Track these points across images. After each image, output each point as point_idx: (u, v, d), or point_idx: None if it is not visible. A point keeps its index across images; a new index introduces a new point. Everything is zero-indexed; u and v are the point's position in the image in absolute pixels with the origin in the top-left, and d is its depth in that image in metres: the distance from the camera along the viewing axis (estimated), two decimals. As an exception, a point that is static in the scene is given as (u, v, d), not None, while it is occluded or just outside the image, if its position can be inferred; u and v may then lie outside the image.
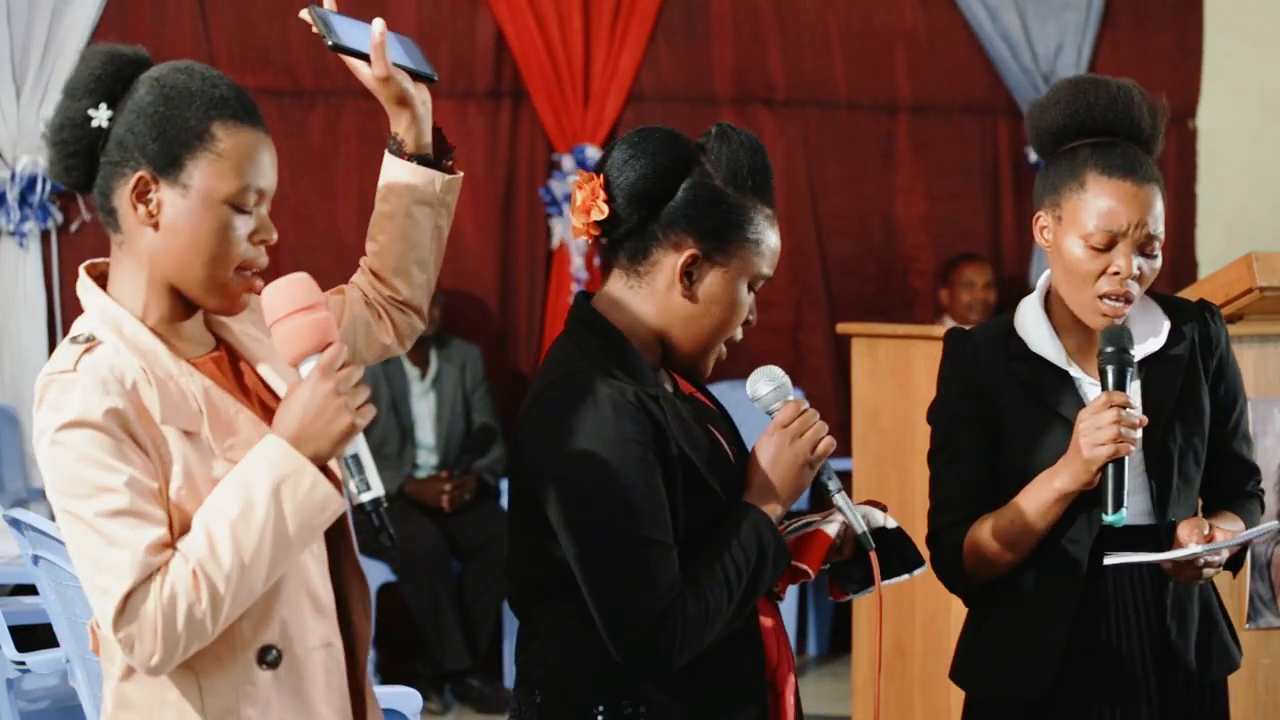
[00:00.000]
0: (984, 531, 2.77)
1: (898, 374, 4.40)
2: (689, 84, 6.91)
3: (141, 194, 2.16)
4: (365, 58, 2.39)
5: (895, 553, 2.49)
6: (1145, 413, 2.74)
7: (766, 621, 2.46)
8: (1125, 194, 2.70)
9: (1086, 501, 2.71)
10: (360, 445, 2.15)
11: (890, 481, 4.39)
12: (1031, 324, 2.82)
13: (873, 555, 2.42)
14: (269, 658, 2.17)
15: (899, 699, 4.39)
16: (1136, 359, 2.76)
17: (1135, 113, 2.76)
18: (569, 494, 2.34)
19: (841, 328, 4.75)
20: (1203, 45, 7.56)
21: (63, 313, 6.01)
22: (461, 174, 2.50)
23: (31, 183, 5.98)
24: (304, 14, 2.41)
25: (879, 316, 6.68)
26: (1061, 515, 2.72)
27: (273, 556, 2.08)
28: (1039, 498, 2.72)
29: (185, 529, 2.10)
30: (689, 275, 2.42)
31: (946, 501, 2.83)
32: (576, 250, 6.63)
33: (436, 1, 6.56)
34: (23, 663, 3.82)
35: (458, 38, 6.61)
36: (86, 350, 2.13)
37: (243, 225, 2.19)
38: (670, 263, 2.42)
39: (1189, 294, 3.68)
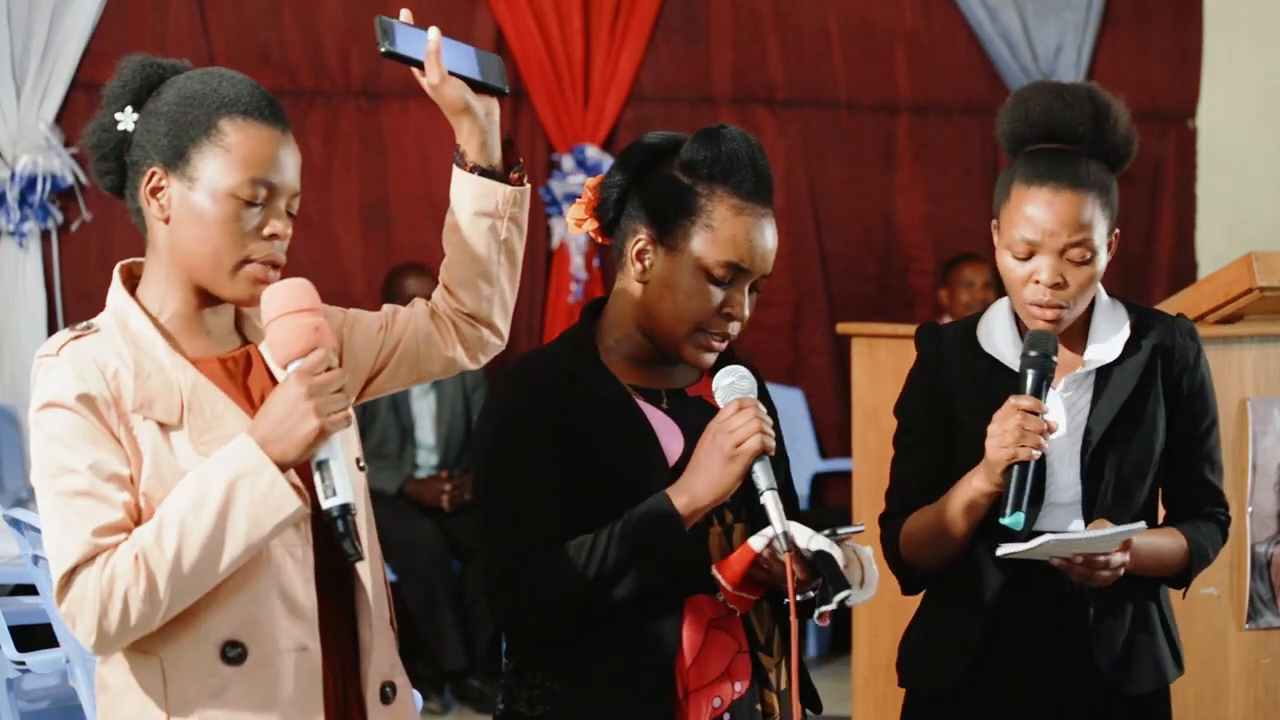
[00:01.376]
0: (915, 525, 2.79)
1: (898, 374, 4.37)
2: (689, 84, 6.91)
3: (154, 189, 2.24)
4: (420, 65, 2.41)
5: (821, 577, 2.42)
6: (1089, 422, 2.73)
7: (697, 629, 2.46)
8: (1043, 201, 2.69)
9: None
10: (334, 451, 2.17)
11: (890, 481, 4.38)
12: (997, 325, 2.82)
13: (788, 558, 2.36)
14: (232, 653, 2.19)
15: (899, 699, 4.38)
16: (1091, 367, 2.76)
17: (1071, 115, 2.72)
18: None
19: (841, 328, 4.75)
20: (1202, 45, 7.56)
21: (63, 313, 6.01)
22: (528, 187, 2.49)
23: (31, 183, 5.98)
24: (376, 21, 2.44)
25: (879, 316, 6.68)
26: (985, 515, 2.71)
27: (219, 550, 2.12)
28: (960, 496, 2.72)
29: (153, 518, 2.16)
30: (642, 260, 2.50)
31: (895, 490, 2.86)
32: (576, 250, 6.63)
33: (436, 1, 6.56)
34: (23, 663, 3.82)
35: (457, 38, 6.57)
36: (75, 337, 2.22)
37: (250, 218, 2.23)
38: (629, 250, 2.51)
39: (1189, 294, 3.68)
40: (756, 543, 2.39)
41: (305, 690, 2.23)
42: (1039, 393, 2.67)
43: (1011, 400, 2.66)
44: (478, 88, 2.43)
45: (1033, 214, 2.69)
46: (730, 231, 2.46)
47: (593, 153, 6.64)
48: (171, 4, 6.25)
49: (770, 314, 6.85)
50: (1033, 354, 2.68)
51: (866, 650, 4.52)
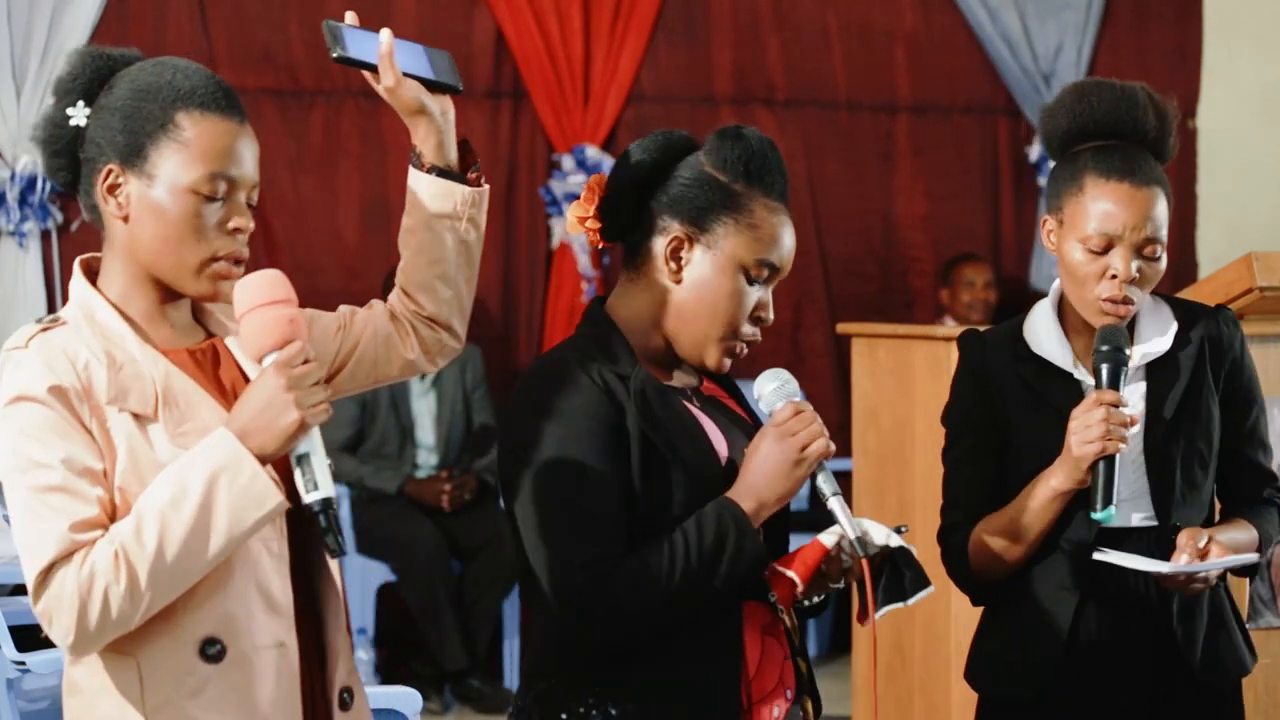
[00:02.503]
0: (987, 531, 2.78)
1: (898, 374, 4.40)
2: (689, 84, 6.91)
3: (111, 186, 2.20)
4: (374, 69, 2.38)
5: (899, 574, 2.41)
6: (1148, 415, 2.74)
7: (755, 637, 2.42)
8: (1122, 196, 2.70)
9: (1086, 501, 2.71)
10: (313, 444, 2.14)
11: (890, 481, 4.39)
12: (1041, 326, 2.83)
13: (864, 564, 2.35)
14: (211, 651, 2.15)
15: (899, 699, 4.38)
16: (1143, 361, 2.77)
17: (1139, 114, 2.76)
18: (516, 465, 2.38)
19: (841, 328, 4.75)
20: (1203, 45, 7.56)
21: (63, 313, 6.01)
22: (486, 188, 2.47)
23: (31, 183, 5.98)
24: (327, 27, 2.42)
25: (879, 316, 6.68)
26: (1061, 515, 2.73)
27: (201, 546, 2.08)
28: (1037, 497, 2.73)
29: (129, 512, 2.11)
30: (678, 259, 2.43)
31: (955, 501, 2.85)
32: (581, 249, 6.63)
33: (436, 1, 6.56)
34: (23, 663, 3.82)
35: (457, 38, 6.61)
36: (44, 329, 2.17)
37: (211, 213, 2.19)
38: (660, 249, 2.44)
39: (1189, 294, 3.68)
40: (827, 540, 2.37)
41: (284, 688, 2.21)
42: (1116, 386, 2.68)
43: (1094, 394, 2.68)
44: (432, 87, 2.41)
45: (1113, 209, 2.70)
46: (770, 230, 2.45)
47: (593, 153, 6.64)
48: (171, 4, 6.25)
49: (770, 314, 6.84)
50: (1105, 349, 2.69)
51: (866, 650, 4.52)
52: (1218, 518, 2.88)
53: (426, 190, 2.42)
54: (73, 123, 2.21)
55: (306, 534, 2.22)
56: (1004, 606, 2.85)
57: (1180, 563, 2.67)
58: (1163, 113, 2.79)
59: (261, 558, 2.19)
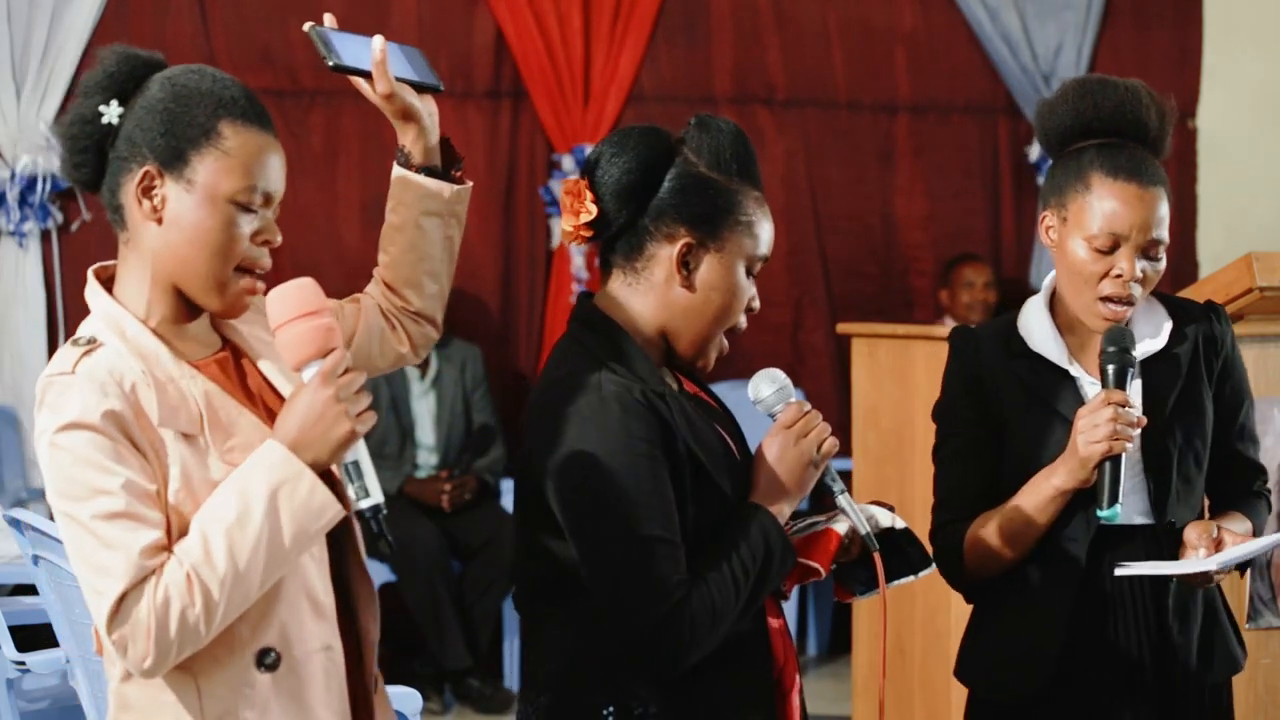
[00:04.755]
0: (984, 529, 2.78)
1: (898, 374, 4.40)
2: (689, 84, 6.91)
3: (146, 188, 2.18)
4: (368, 75, 2.39)
5: (901, 554, 2.49)
6: (1145, 412, 2.74)
7: (773, 623, 2.45)
8: (1130, 196, 2.71)
9: (1085, 500, 2.71)
10: (361, 452, 2.14)
11: (890, 481, 4.39)
12: (1035, 323, 2.83)
13: (876, 557, 2.42)
14: (268, 660, 2.17)
15: (899, 699, 4.38)
16: (1138, 359, 2.77)
17: (1143, 114, 2.76)
18: (576, 493, 2.34)
19: (841, 328, 4.75)
20: (1203, 45, 7.56)
21: (63, 313, 6.01)
22: (470, 184, 2.50)
23: (31, 183, 5.98)
24: (306, 28, 2.42)
25: (879, 316, 6.68)
26: (1060, 513, 2.73)
27: (268, 562, 2.09)
28: (1037, 495, 2.73)
29: (183, 532, 2.11)
30: (686, 265, 2.42)
31: (948, 498, 2.85)
32: (577, 250, 6.63)
33: (436, 1, 6.56)
34: (23, 663, 3.82)
35: (457, 38, 6.61)
36: (86, 353, 2.14)
37: (246, 224, 2.20)
38: (666, 255, 2.42)
39: (1189, 294, 3.68)
40: (840, 527, 2.44)
41: (333, 690, 2.24)
42: (1122, 386, 2.70)
43: (1103, 394, 2.69)
44: (419, 89, 2.43)
45: (1121, 209, 2.71)
46: (763, 224, 2.45)
47: (593, 153, 6.64)
48: (171, 4, 6.26)
49: (770, 314, 6.85)
50: (1112, 349, 2.71)
51: (866, 650, 4.53)
52: (1207, 513, 2.88)
53: (416, 190, 2.45)
54: (104, 120, 2.19)
55: (337, 533, 2.24)
56: (999, 604, 2.85)
57: (1200, 558, 2.67)
58: (1163, 112, 2.79)
59: (308, 565, 2.21)
